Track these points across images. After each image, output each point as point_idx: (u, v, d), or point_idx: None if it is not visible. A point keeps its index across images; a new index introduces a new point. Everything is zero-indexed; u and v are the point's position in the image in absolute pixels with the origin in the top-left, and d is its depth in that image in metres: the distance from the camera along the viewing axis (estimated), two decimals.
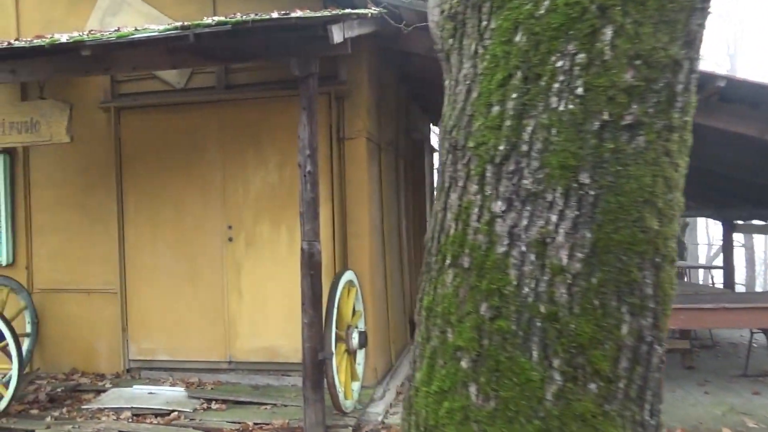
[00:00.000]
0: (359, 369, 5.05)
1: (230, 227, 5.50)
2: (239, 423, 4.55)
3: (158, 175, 5.66)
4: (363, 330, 4.78)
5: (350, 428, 4.43)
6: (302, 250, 4.16)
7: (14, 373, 4.57)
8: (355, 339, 4.64)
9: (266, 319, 5.44)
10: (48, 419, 4.74)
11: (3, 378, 5.14)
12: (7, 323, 4.63)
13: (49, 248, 5.96)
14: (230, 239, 5.50)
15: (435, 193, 1.61)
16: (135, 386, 5.36)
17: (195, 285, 5.58)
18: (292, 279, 5.33)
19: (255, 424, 4.54)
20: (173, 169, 5.62)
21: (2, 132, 4.60)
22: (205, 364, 5.60)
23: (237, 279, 5.49)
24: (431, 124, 10.04)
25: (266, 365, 5.49)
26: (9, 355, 5.22)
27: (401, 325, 6.79)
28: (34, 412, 4.96)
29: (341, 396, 4.42)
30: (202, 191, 5.57)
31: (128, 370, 5.76)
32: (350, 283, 4.85)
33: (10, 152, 5.98)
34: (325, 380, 4.23)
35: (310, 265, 4.15)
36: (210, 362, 5.58)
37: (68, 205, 5.90)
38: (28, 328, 5.80)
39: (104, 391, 5.36)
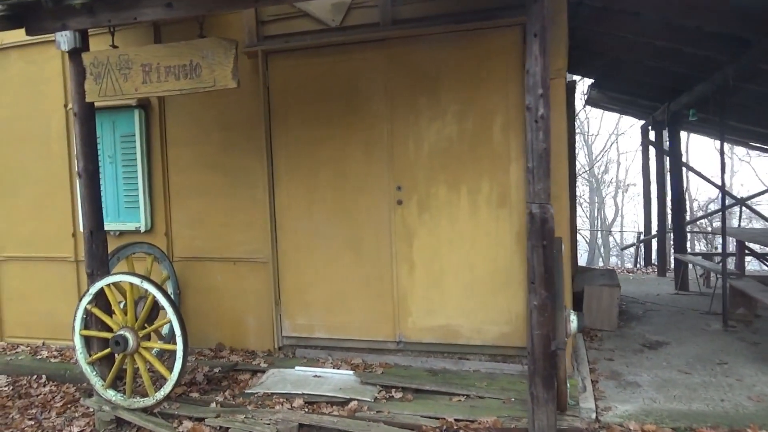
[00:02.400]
0: None
1: (399, 188, 4.73)
2: (437, 419, 3.85)
3: (313, 129, 4.93)
4: (580, 311, 3.95)
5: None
6: (531, 215, 3.33)
7: (179, 353, 4.03)
8: (573, 322, 3.81)
9: (442, 295, 4.69)
10: (213, 405, 4.21)
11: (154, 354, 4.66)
12: (168, 298, 4.07)
13: (188, 213, 5.40)
14: (399, 202, 4.74)
15: None
16: (297, 367, 4.77)
17: (358, 255, 4.88)
18: (473, 249, 4.57)
19: (456, 420, 3.83)
20: (331, 122, 4.87)
21: (158, 78, 3.95)
22: (370, 344, 4.93)
23: (408, 248, 4.75)
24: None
25: (441, 347, 4.76)
26: (159, 336, 4.75)
27: None
28: (195, 395, 4.45)
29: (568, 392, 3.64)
30: (366, 147, 4.80)
31: (280, 348, 5.18)
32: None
33: (145, 106, 5.42)
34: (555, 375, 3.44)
35: (543, 233, 3.32)
36: (376, 342, 4.91)
37: (208, 165, 5.29)
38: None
39: (262, 371, 4.80)
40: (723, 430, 3.81)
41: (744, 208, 11.83)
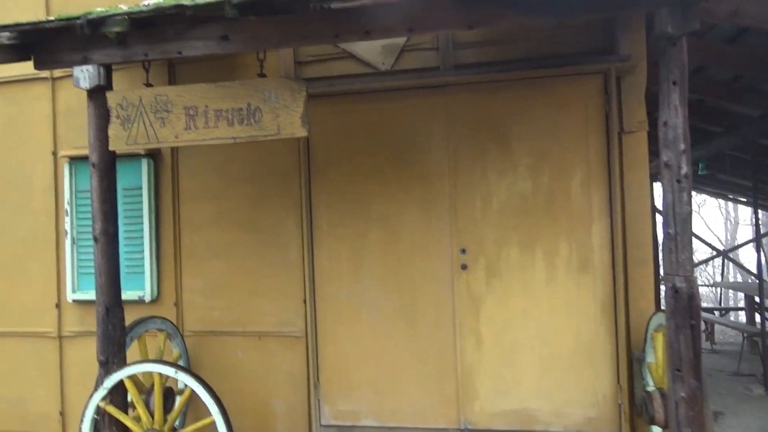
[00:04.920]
0: None
1: (463, 251, 4.17)
2: None
3: (361, 183, 4.33)
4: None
5: None
6: (675, 289, 2.83)
7: None
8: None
9: (516, 373, 4.10)
10: None
11: None
12: (213, 393, 3.27)
13: (204, 279, 4.62)
14: (464, 266, 4.17)
15: None
16: None
17: (413, 326, 4.24)
18: (551, 319, 4.03)
19: None
20: (382, 176, 4.30)
21: (205, 124, 3.27)
22: None
23: (474, 318, 4.16)
24: None
25: None
26: None
27: None
28: None
29: None
30: (424, 204, 4.24)
31: None
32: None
33: (154, 155, 4.68)
34: None
35: (690, 311, 2.82)
36: (435, 429, 4.22)
37: (231, 222, 4.57)
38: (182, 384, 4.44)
39: None
40: None
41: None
